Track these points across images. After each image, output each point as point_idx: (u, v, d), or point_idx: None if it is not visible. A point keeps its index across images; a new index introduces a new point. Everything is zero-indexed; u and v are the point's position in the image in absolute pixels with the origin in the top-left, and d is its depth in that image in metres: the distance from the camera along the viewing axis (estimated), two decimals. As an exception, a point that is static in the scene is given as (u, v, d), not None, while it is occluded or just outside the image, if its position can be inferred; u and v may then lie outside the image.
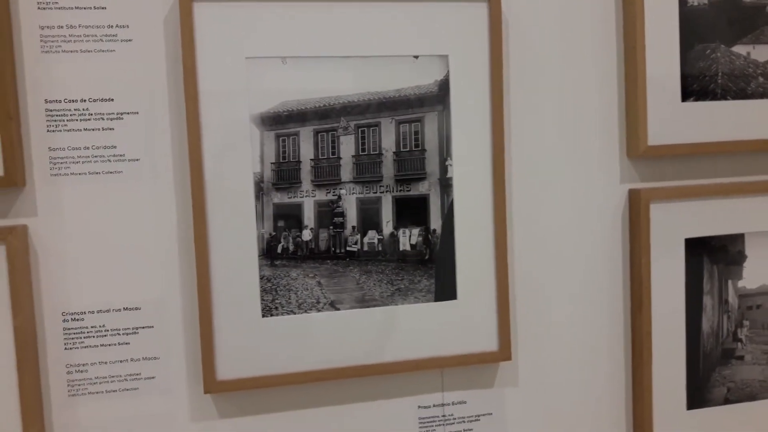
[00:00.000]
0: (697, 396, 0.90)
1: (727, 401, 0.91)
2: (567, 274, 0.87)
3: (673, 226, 0.88)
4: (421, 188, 0.80)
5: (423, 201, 0.80)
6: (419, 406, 0.84)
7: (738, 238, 0.90)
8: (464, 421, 0.85)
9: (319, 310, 0.78)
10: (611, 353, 0.89)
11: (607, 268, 0.88)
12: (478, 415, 0.85)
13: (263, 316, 0.76)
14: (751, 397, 0.92)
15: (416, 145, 0.80)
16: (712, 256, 0.90)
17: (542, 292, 0.87)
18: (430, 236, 0.81)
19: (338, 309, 0.78)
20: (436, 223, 0.81)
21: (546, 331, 0.87)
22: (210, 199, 0.75)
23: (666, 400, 0.89)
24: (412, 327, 0.81)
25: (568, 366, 0.88)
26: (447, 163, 0.81)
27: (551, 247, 0.87)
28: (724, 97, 0.88)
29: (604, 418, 0.89)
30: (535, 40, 0.84)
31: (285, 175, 0.77)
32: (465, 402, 0.85)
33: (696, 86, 0.87)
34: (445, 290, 0.81)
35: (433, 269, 0.81)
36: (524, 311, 0.86)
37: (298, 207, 0.77)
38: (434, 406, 0.84)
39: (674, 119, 0.87)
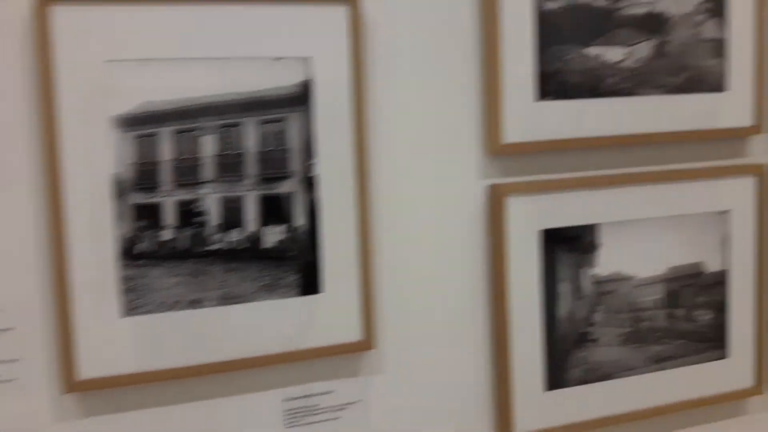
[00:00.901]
0: (555, 378, 0.96)
1: (583, 381, 0.97)
2: (430, 267, 0.90)
3: (529, 218, 0.92)
4: (285, 187, 0.81)
5: (287, 199, 0.82)
6: (284, 399, 0.86)
7: (591, 229, 0.96)
8: (331, 410, 0.88)
9: (181, 309, 0.78)
10: (473, 340, 0.93)
11: (469, 260, 0.92)
12: (345, 404, 0.88)
13: (124, 315, 0.76)
14: (606, 377, 0.98)
15: (279, 145, 0.81)
16: (567, 245, 0.95)
17: (407, 284, 0.90)
18: (294, 233, 0.82)
19: (201, 307, 0.79)
20: (300, 220, 0.82)
21: (411, 321, 0.90)
22: (68, 200, 0.74)
23: (525, 383, 0.94)
24: (277, 322, 0.82)
25: (432, 354, 0.91)
26: (311, 162, 0.82)
27: (415, 241, 0.90)
28: (577, 96, 0.93)
29: (468, 401, 0.93)
30: (397, 41, 0.86)
31: (145, 175, 0.76)
32: (331, 392, 0.88)
33: (551, 86, 0.92)
34: (311, 285, 0.83)
35: (298, 265, 0.83)
36: (389, 302, 0.89)
37: (159, 207, 0.77)
38: (300, 397, 0.87)
39: (530, 117, 0.91)
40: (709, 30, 0.98)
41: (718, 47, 0.98)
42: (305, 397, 0.87)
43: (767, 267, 1.05)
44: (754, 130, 1.01)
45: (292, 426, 0.86)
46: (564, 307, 0.95)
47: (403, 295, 0.90)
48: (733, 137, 1.02)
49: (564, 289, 0.95)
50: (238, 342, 0.81)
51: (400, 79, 0.87)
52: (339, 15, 0.81)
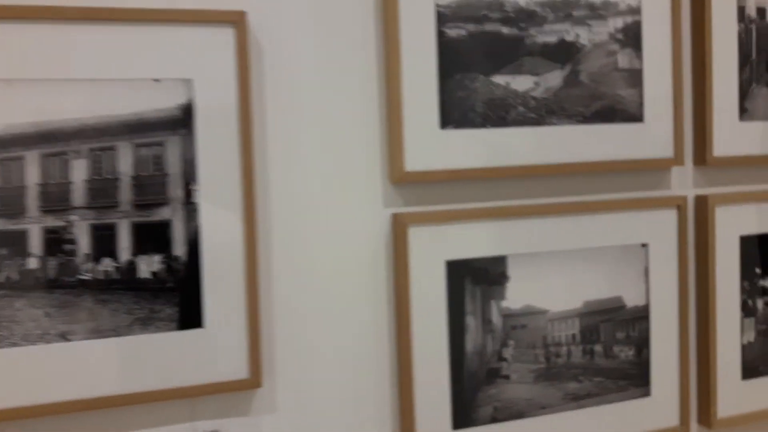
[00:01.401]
0: (463, 415, 0.90)
1: (494, 420, 0.92)
2: (330, 300, 0.85)
3: (434, 249, 0.88)
4: (163, 214, 0.77)
5: (165, 227, 0.77)
6: (169, 437, 0.81)
7: (501, 260, 0.92)
8: (220, 450, 0.83)
9: (47, 342, 0.73)
10: (375, 378, 0.87)
11: (371, 292, 0.87)
12: (234, 443, 0.83)
13: (-18, 349, 0.71)
14: (519, 415, 0.93)
15: (157, 170, 0.77)
16: (474, 277, 0.91)
17: (304, 318, 0.84)
18: (173, 263, 0.78)
19: (69, 340, 0.74)
20: (180, 249, 0.78)
21: (307, 357, 0.85)
22: (-72, 225, 0.70)
23: (431, 420, 0.88)
24: (154, 357, 0.77)
25: (331, 392, 0.86)
26: (192, 187, 0.78)
27: (313, 272, 0.85)
28: (483, 125, 0.90)
29: (369, 441, 0.89)
30: (293, 65, 0.82)
31: (8, 201, 0.71)
32: (217, 431, 0.83)
33: (455, 114, 0.88)
34: (191, 318, 0.78)
35: (176, 297, 0.78)
36: (284, 338, 0.83)
37: (23, 234, 0.72)
38: (186, 436, 0.81)
39: (433, 146, 0.87)
40: (624, 59, 0.95)
41: (634, 77, 0.95)
42: (190, 436, 0.82)
43: (689, 301, 1.02)
44: (675, 161, 0.98)
45: (175, 468, 0.81)
46: (472, 341, 0.90)
47: (299, 330, 0.84)
48: (652, 168, 0.99)
49: (472, 322, 0.91)
50: (114, 378, 0.76)
51: (297, 104, 0.83)
52: (224, 36, 0.77)
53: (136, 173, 0.75)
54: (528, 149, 0.91)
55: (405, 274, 0.86)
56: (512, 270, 0.92)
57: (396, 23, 0.83)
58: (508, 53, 0.90)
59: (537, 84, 0.91)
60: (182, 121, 0.76)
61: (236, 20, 0.77)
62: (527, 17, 0.90)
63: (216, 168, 0.78)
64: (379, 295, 0.88)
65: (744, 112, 1.02)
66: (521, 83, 0.90)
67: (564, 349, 0.95)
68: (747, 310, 1.04)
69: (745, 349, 1.04)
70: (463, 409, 0.90)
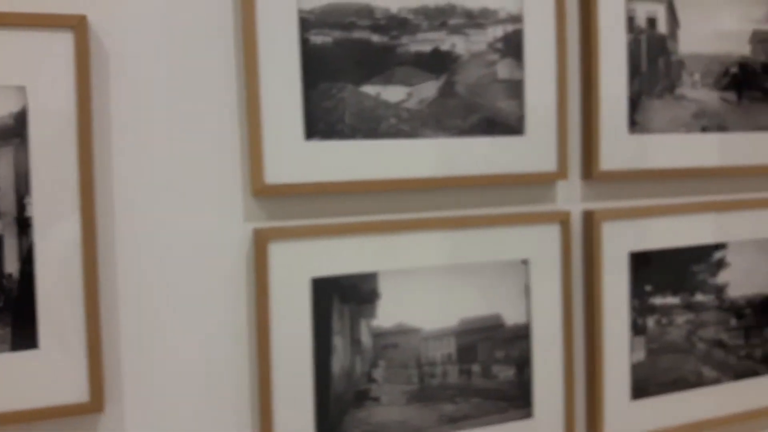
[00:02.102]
0: (329, 439, 0.88)
1: (362, 443, 0.90)
2: (186, 321, 0.81)
3: (298, 265, 0.84)
4: (-8, 229, 0.74)
5: (-5, 242, 0.74)
6: (4, 464, 0.77)
7: (370, 277, 0.89)
8: (61, 477, 0.79)
9: None
10: (234, 402, 0.84)
11: (230, 310, 0.83)
12: (76, 470, 0.80)
13: None
14: (390, 438, 0.91)
15: (-14, 182, 0.73)
16: (342, 295, 0.88)
17: (157, 341, 0.80)
18: (4, 281, 0.74)
19: None
20: (12, 266, 0.73)
21: (160, 382, 0.81)
22: None
23: (294, 445, 0.86)
24: (-17, 379, 0.74)
25: (184, 418, 0.82)
26: (25, 201, 0.74)
27: (167, 291, 0.81)
28: (352, 137, 0.87)
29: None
30: (142, 70, 0.78)
31: None
32: (60, 457, 0.79)
33: (321, 125, 0.85)
34: (24, 339, 0.74)
35: (8, 317, 0.74)
36: (133, 360, 0.80)
37: None
38: (22, 462, 0.77)
39: (297, 158, 0.83)
40: (504, 70, 0.93)
41: (515, 88, 0.93)
42: (27, 463, 0.78)
43: (574, 319, 1.00)
44: (558, 175, 0.96)
45: (11, 496, 0.77)
46: (340, 362, 0.87)
47: (150, 354, 0.80)
48: (535, 182, 0.96)
49: (340, 342, 0.87)
50: (-65, 403, 0.72)
51: (146, 111, 0.79)
52: (61, 41, 0.73)
53: (-38, 185, 0.71)
54: (400, 162, 0.88)
55: (265, 293, 0.83)
56: (383, 287, 0.89)
57: (254, 29, 0.80)
58: (379, 62, 0.87)
59: (410, 95, 0.88)
60: (15, 130, 0.73)
61: (75, 24, 0.73)
62: (399, 25, 0.87)
63: (52, 180, 0.74)
64: (239, 314, 0.84)
65: (634, 125, 1.00)
66: (393, 94, 0.87)
67: (439, 368, 0.92)
68: (637, 329, 1.02)
69: (635, 368, 1.02)
70: (330, 432, 0.87)
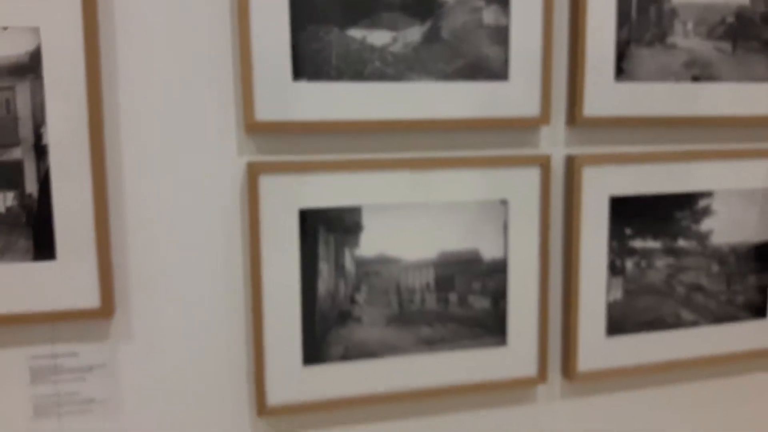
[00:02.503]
0: (314, 352, 0.97)
1: (344, 358, 0.98)
2: (186, 242, 0.92)
3: (287, 197, 0.93)
4: (14, 154, 0.83)
5: (17, 166, 0.84)
6: (29, 357, 0.89)
7: (355, 211, 0.96)
8: (76, 371, 0.91)
9: None
10: (229, 314, 0.94)
11: (226, 234, 0.93)
12: (90, 366, 0.91)
13: None
14: (370, 355, 0.99)
15: (8, 113, 0.83)
16: (328, 225, 0.96)
17: (160, 258, 0.91)
18: (25, 200, 0.85)
19: (-74, 265, 0.83)
20: (32, 187, 0.85)
21: (163, 293, 0.92)
22: None
23: (282, 356, 0.95)
24: (12, 284, 0.85)
25: (187, 327, 0.93)
26: (41, 130, 0.84)
27: (168, 214, 0.91)
28: (339, 79, 0.93)
29: (222, 374, 0.95)
30: (144, 11, 0.87)
31: None
32: (76, 354, 0.91)
33: (309, 67, 0.92)
34: (44, 251, 0.86)
35: (30, 231, 0.85)
36: (139, 273, 0.91)
37: None
38: (45, 357, 0.90)
39: (286, 97, 0.91)
40: (489, 16, 0.96)
41: (500, 34, 0.97)
42: (50, 357, 0.90)
43: (550, 257, 1.05)
44: (541, 120, 1.00)
45: (37, 383, 0.90)
46: (325, 285, 0.96)
47: (154, 269, 0.91)
48: (517, 127, 1.01)
49: (325, 267, 0.96)
50: (-29, 301, 0.85)
51: (148, 50, 0.87)
52: (71, -13, 0.82)
53: (-12, 115, 0.82)
54: (385, 104, 0.94)
55: (256, 221, 0.92)
56: (367, 220, 0.96)
57: (246, -24, 0.87)
58: (365, 7, 0.92)
59: (395, 39, 0.93)
60: (31, 67, 0.82)
61: (82, -29, 0.82)
62: (386, -28, 0.92)
63: (65, 111, 0.84)
64: (234, 239, 0.94)
65: (620, 73, 1.02)
66: (378, 38, 0.93)
67: (418, 295, 1.00)
68: (615, 269, 1.07)
69: (611, 306, 1.08)
70: (314, 347, 0.97)
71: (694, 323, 1.12)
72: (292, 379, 0.97)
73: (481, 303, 1.03)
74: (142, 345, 0.93)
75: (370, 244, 0.97)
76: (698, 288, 1.12)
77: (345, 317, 0.98)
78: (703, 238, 1.11)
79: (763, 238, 1.14)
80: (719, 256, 1.12)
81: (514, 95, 0.99)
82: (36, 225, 0.85)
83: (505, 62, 0.98)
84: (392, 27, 0.93)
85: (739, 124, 1.09)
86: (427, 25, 0.94)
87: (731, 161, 1.10)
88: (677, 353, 1.12)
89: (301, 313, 0.96)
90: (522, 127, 1.01)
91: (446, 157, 0.98)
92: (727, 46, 1.07)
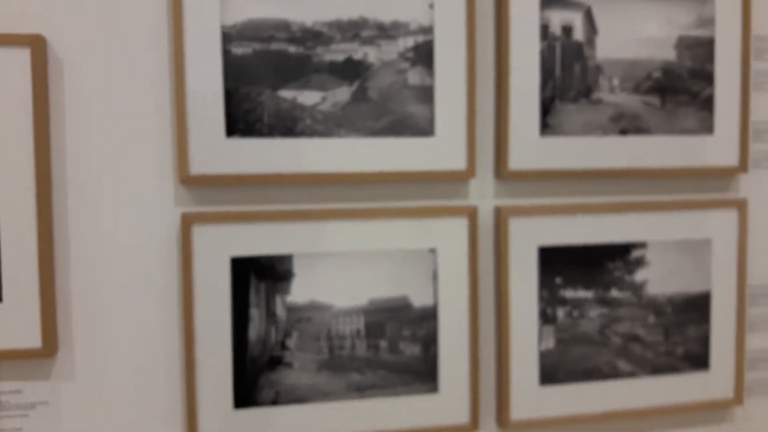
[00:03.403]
0: (245, 396, 1.03)
1: (275, 402, 1.04)
2: (125, 289, 1.00)
3: (219, 246, 1.00)
4: (-33, 205, 0.94)
5: (-32, 216, 0.94)
6: (-24, 393, 0.98)
7: (286, 259, 1.03)
8: (21, 408, 0.99)
9: None
10: (166, 356, 1.01)
11: (163, 282, 1.01)
12: (33, 404, 0.99)
13: None
14: (301, 400, 1.05)
15: (-38, 168, 0.93)
16: (259, 273, 1.03)
17: (102, 299, 0.99)
18: (-25, 247, 0.94)
19: None
20: (-19, 235, 0.95)
21: (104, 335, 1.00)
22: None
23: (213, 400, 1.01)
24: (-42, 324, 0.95)
25: (126, 367, 1.00)
26: (-8, 184, 0.94)
27: (110, 262, 0.99)
28: (270, 135, 1.01)
29: (158, 411, 1.02)
30: (91, 78, 0.97)
31: None
32: (20, 391, 0.99)
33: (241, 125, 1.00)
34: (-10, 294, 0.95)
35: (-22, 275, 0.95)
36: (81, 315, 0.99)
37: None
38: (-10, 393, 0.98)
39: (219, 152, 1.00)
40: (415, 77, 1.04)
41: (426, 93, 1.05)
42: (-5, 394, 0.99)
43: (479, 304, 1.10)
44: (467, 174, 1.06)
45: (-18, 420, 0.98)
46: (256, 330, 1.03)
47: (97, 310, 1.00)
48: (445, 180, 1.08)
49: (256, 314, 1.03)
50: None
51: (95, 112, 0.97)
52: (21, 55, 0.93)
53: (-56, 170, 0.92)
54: (315, 158, 1.02)
55: (189, 268, 1.00)
56: (298, 268, 1.03)
57: (182, 41, 0.96)
58: (295, 70, 1.01)
59: (324, 99, 1.02)
60: (-16, 127, 0.93)
61: (33, 43, 0.93)
62: (314, 37, 1.01)
63: (13, 166, 0.94)
64: (170, 285, 1.01)
65: (546, 128, 1.09)
66: (308, 98, 1.01)
67: (348, 342, 1.05)
68: (546, 318, 1.11)
69: (544, 355, 1.12)
70: (245, 390, 1.03)
71: (631, 374, 1.15)
72: (224, 421, 1.03)
73: (411, 349, 1.08)
74: (83, 384, 1.00)
75: (301, 291, 1.04)
76: (634, 338, 1.15)
77: (276, 362, 1.04)
78: (637, 288, 1.14)
79: (700, 288, 1.17)
80: (655, 306, 1.15)
81: (440, 150, 1.06)
82: (-16, 270, 0.95)
83: (431, 120, 1.05)
84: (322, 88, 1.02)
85: (670, 175, 1.14)
86: (355, 85, 1.03)
87: (664, 212, 1.14)
88: (614, 404, 1.15)
89: (232, 358, 1.02)
90: (450, 180, 1.08)
91: (374, 207, 1.05)
92: (655, 100, 1.13)
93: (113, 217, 1.00)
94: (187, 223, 1.00)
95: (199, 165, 0.99)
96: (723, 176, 1.18)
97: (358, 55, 1.03)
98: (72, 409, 1.00)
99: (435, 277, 1.08)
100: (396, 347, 1.07)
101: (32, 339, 0.96)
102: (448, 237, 1.08)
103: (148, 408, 1.02)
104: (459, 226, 1.08)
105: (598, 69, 1.11)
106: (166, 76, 1.00)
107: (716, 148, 1.16)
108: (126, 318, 1.01)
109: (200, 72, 0.98)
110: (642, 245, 1.14)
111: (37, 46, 0.93)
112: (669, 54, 1.13)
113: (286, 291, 1.04)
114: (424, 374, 1.08)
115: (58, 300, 0.98)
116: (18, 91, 0.93)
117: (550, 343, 1.12)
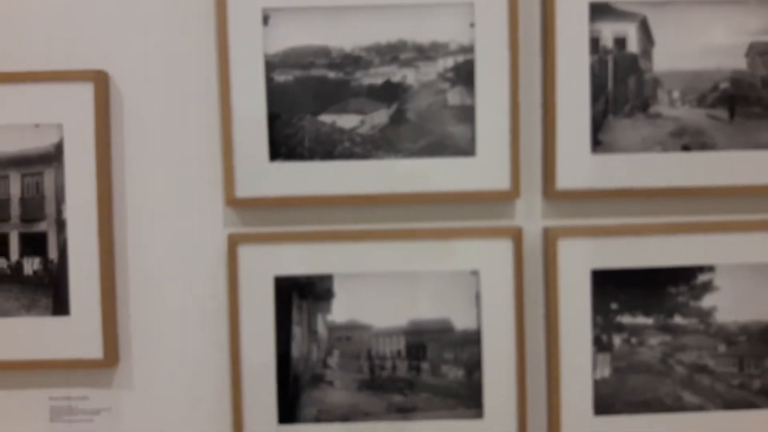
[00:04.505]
0: (288, 413, 1.08)
1: (317, 420, 1.08)
2: (178, 303, 1.09)
3: (263, 265, 1.06)
4: (41, 227, 1.06)
5: (43, 237, 1.05)
6: (50, 397, 1.09)
7: (327, 278, 1.07)
8: (87, 413, 1.09)
9: (-42, 316, 1.06)
10: (215, 369, 1.09)
11: (212, 298, 1.09)
12: (98, 410, 1.09)
13: None
14: (342, 419, 1.08)
15: (37, 193, 1.05)
16: (301, 292, 1.07)
17: (156, 315, 1.09)
18: (48, 265, 1.06)
19: (-29, 316, 1.06)
20: (53, 254, 1.06)
21: (160, 349, 1.09)
22: None
23: (259, 415, 1.07)
24: (34, 335, 1.06)
25: (178, 380, 1.09)
26: (62, 207, 1.05)
27: (166, 278, 1.09)
28: (311, 158, 1.05)
29: (209, 425, 1.10)
30: (150, 111, 1.07)
31: (-63, 213, 1.05)
32: (87, 398, 1.09)
33: (284, 149, 1.05)
34: (61, 308, 1.06)
35: (51, 291, 1.06)
36: (139, 331, 1.09)
37: (-55, 237, 1.06)
38: (62, 398, 1.09)
39: (263, 176, 1.06)
40: (455, 97, 1.05)
41: (466, 113, 1.05)
42: (66, 399, 1.09)
43: (525, 328, 1.07)
44: (511, 194, 1.05)
45: (55, 421, 1.09)
46: (298, 348, 1.07)
47: (154, 325, 1.09)
48: (488, 200, 1.07)
49: (299, 332, 1.07)
50: (4, 348, 1.06)
51: (151, 141, 1.08)
52: (87, 89, 1.04)
53: (23, 195, 1.05)
54: (354, 180, 1.06)
55: (235, 286, 1.07)
56: (338, 287, 1.07)
57: (227, 72, 1.04)
58: (334, 95, 1.05)
59: (362, 122, 1.05)
60: (55, 156, 1.05)
61: (96, 78, 1.04)
62: (353, 62, 1.04)
63: (79, 193, 1.05)
64: (219, 302, 1.09)
65: (597, 145, 1.05)
66: (347, 121, 1.05)
67: (389, 362, 1.07)
68: (600, 345, 1.07)
69: (598, 384, 1.07)
70: (289, 407, 1.08)
71: (699, 407, 1.08)
72: (269, 435, 1.08)
73: (454, 373, 1.08)
74: (141, 393, 1.10)
75: (341, 310, 1.07)
76: (702, 369, 1.08)
77: (318, 380, 1.08)
78: (704, 315, 1.07)
79: (781, 317, 1.08)
80: (726, 335, 1.07)
81: (482, 170, 1.06)
82: (55, 286, 1.06)
83: (472, 139, 1.05)
84: (360, 111, 1.05)
85: (741, 193, 1.06)
86: (393, 107, 1.05)
87: (734, 233, 1.07)
88: (680, 439, 1.08)
89: (276, 374, 1.08)
90: (493, 200, 1.07)
91: (414, 228, 1.07)
92: (722, 113, 1.06)
93: (167, 238, 1.09)
94: (233, 243, 1.07)
95: (244, 188, 1.06)
96: (807, 193, 1.09)
97: (396, 78, 1.05)
98: (131, 416, 1.10)
99: (478, 299, 1.08)
100: (438, 370, 1.08)
101: (95, 350, 1.07)
102: (492, 259, 1.07)
103: (199, 419, 1.10)
104: (503, 248, 1.07)
105: (656, 82, 1.06)
106: (215, 105, 1.08)
107: (798, 163, 1.07)
108: (178, 332, 1.10)
109: (245, 100, 1.05)
110: (710, 269, 1.07)
111: (100, 80, 1.05)
112: (739, 63, 1.06)
113: (327, 310, 1.08)
114: (468, 399, 1.08)
115: (119, 315, 1.09)
116: (82, 121, 1.05)
117: (605, 371, 1.08)
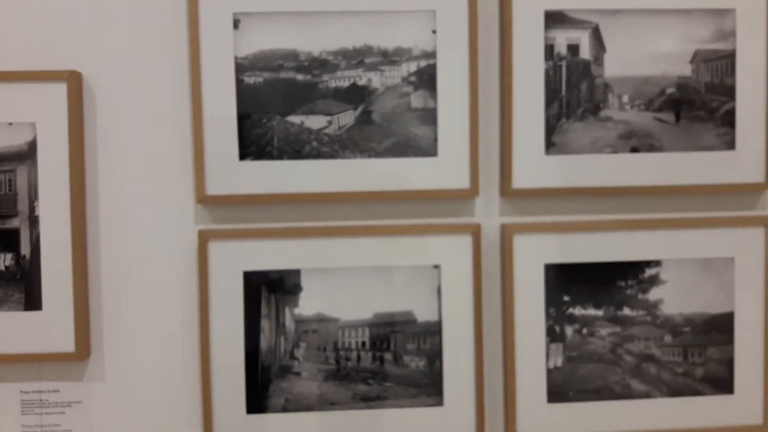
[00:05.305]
0: (257, 403, 1.13)
1: (285, 409, 1.14)
2: (149, 297, 1.14)
3: (233, 260, 1.12)
4: (14, 223, 1.10)
5: (15, 233, 1.10)
6: (21, 391, 1.13)
7: (294, 273, 1.13)
8: (59, 406, 1.14)
9: (-70, 311, 1.09)
10: (185, 361, 1.14)
11: (183, 293, 1.14)
12: (69, 402, 1.14)
13: None
14: (308, 408, 1.14)
15: (10, 190, 1.09)
16: (269, 286, 1.13)
17: (127, 309, 1.14)
18: (20, 260, 1.10)
19: (-56, 311, 1.09)
20: (26, 250, 1.10)
21: (131, 343, 1.14)
22: None
23: (227, 405, 1.13)
24: (6, 329, 1.10)
25: (149, 373, 1.14)
26: (35, 204, 1.10)
27: (135, 274, 1.14)
28: (279, 158, 1.11)
29: (179, 414, 1.15)
30: (121, 109, 1.12)
31: None
32: (58, 390, 1.13)
33: (253, 148, 1.11)
34: (33, 302, 1.10)
35: (23, 286, 1.10)
36: (110, 324, 1.14)
37: None
38: (32, 392, 1.13)
39: (233, 174, 1.11)
40: (418, 100, 1.12)
41: (428, 116, 1.12)
42: (37, 392, 1.13)
43: (483, 320, 1.15)
44: (470, 192, 1.12)
45: (26, 414, 1.13)
46: (266, 340, 1.13)
47: (125, 319, 1.14)
48: (449, 198, 1.14)
49: (267, 325, 1.13)
50: (-23, 341, 1.10)
51: (123, 138, 1.12)
52: (59, 89, 1.08)
53: (-5, 192, 1.09)
54: (321, 179, 1.12)
55: (205, 281, 1.12)
56: (305, 282, 1.13)
57: (198, 73, 1.09)
58: (303, 96, 1.11)
59: (330, 123, 1.11)
60: (28, 154, 1.09)
61: (69, 78, 1.08)
62: (320, 65, 1.11)
63: (53, 189, 1.09)
64: (189, 296, 1.14)
65: (551, 146, 1.13)
66: (315, 122, 1.11)
67: (354, 354, 1.14)
68: (553, 336, 1.15)
69: (552, 372, 1.15)
70: (257, 398, 1.13)
71: (645, 394, 1.16)
72: (237, 425, 1.13)
73: (416, 363, 1.15)
74: (112, 385, 1.14)
75: (308, 304, 1.14)
76: (649, 358, 1.16)
77: (285, 371, 1.14)
78: (651, 307, 1.16)
79: (723, 308, 1.17)
80: (672, 326, 1.16)
81: (443, 169, 1.13)
82: (27, 281, 1.10)
83: (434, 140, 1.12)
84: (327, 112, 1.12)
85: (686, 192, 1.15)
86: (360, 109, 1.12)
87: (680, 230, 1.15)
88: (628, 425, 1.16)
89: (244, 366, 1.13)
90: (453, 198, 1.14)
91: (379, 224, 1.13)
92: (669, 116, 1.15)
93: (139, 234, 1.14)
94: (204, 239, 1.12)
95: (214, 186, 1.12)
96: (747, 193, 1.18)
97: (362, 81, 1.12)
98: (102, 409, 1.15)
99: (439, 292, 1.14)
100: (401, 360, 1.15)
101: (67, 343, 1.11)
102: (452, 254, 1.14)
103: (170, 410, 1.15)
104: (462, 243, 1.14)
105: (607, 87, 1.14)
106: (186, 106, 1.13)
107: (739, 165, 1.16)
108: (150, 326, 1.15)
109: (216, 101, 1.11)
110: (657, 263, 1.16)
111: (73, 80, 1.09)
112: (685, 69, 1.15)
113: (294, 304, 1.14)
114: (429, 387, 1.15)
115: (91, 309, 1.13)
116: (56, 120, 1.09)
117: (558, 360, 1.16)
